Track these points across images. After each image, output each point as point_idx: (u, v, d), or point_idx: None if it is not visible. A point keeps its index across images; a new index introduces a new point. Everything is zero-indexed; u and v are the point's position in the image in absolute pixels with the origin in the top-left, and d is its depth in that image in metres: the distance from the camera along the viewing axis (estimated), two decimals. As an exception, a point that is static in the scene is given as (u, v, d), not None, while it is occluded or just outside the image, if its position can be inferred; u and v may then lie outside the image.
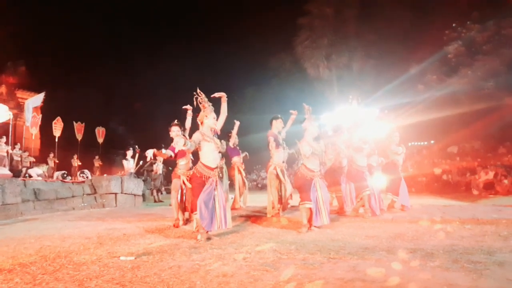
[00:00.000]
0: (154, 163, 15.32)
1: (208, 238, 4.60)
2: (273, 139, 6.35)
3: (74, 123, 21.79)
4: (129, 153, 12.08)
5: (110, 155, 23.52)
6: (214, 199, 4.64)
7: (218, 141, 4.78)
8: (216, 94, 4.86)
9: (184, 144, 4.35)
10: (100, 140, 22.94)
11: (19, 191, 8.35)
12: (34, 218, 7.86)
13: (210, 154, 4.71)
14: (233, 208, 7.88)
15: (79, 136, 21.84)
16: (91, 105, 25.06)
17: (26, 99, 16.97)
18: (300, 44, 26.39)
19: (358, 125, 6.99)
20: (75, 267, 3.35)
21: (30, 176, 11.12)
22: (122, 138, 23.84)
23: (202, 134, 4.66)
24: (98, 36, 29.20)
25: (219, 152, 4.87)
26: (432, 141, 22.14)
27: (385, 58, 22.79)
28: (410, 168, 17.44)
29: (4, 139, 13.74)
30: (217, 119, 4.85)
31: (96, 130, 22.88)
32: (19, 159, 14.91)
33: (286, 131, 6.75)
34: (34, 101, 14.65)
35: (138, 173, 15.01)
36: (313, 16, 25.87)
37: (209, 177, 4.65)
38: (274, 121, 6.57)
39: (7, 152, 13.59)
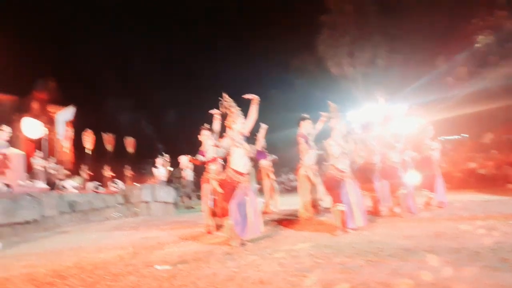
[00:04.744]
0: (183, 170, 15.47)
1: (242, 244, 4.56)
2: (304, 141, 6.24)
3: (103, 134, 22.32)
4: (159, 161, 12.26)
5: (140, 164, 23.99)
6: (246, 204, 4.60)
7: (247, 145, 4.74)
8: (249, 96, 4.81)
9: (216, 152, 4.36)
10: (130, 150, 23.41)
11: (56, 204, 8.59)
12: (70, 230, 8.06)
13: (240, 160, 4.67)
14: (264, 212, 7.83)
15: (109, 147, 22.36)
16: (120, 116, 25.74)
17: (57, 113, 17.54)
18: (322, 43, 26.09)
19: (388, 120, 6.76)
20: (112, 278, 3.38)
21: (65, 189, 11.43)
22: (151, 147, 24.34)
23: (232, 139, 4.64)
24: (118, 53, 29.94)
25: (249, 156, 4.83)
26: (465, 135, 21.38)
27: (412, 53, 22.21)
28: (443, 163, 16.89)
29: (39, 153, 14.23)
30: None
31: (125, 140, 23.35)
32: (55, 172, 15.37)
33: (315, 133, 6.63)
34: (65, 115, 15.12)
35: (168, 181, 15.20)
36: (334, 13, 25.56)
37: (239, 182, 4.62)
38: (302, 122, 6.46)
39: (42, 166, 14.05)
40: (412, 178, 6.93)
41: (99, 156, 21.21)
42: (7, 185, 8.73)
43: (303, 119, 6.50)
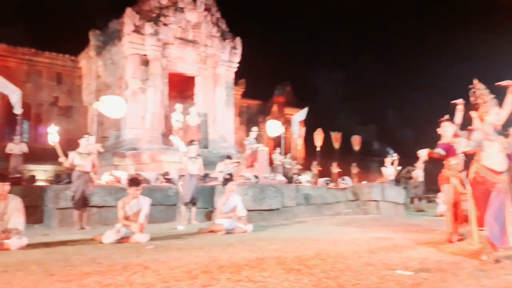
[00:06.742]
0: (413, 170, 14.64)
1: (497, 260, 3.88)
2: None
3: (331, 133, 23.55)
4: (388, 160, 11.96)
5: (366, 162, 24.17)
6: (504, 211, 3.91)
7: (504, 140, 4.04)
8: (505, 83, 4.14)
9: (467, 145, 3.90)
10: (356, 147, 23.97)
11: (294, 196, 9.52)
12: (306, 221, 8.77)
13: (495, 156, 4.00)
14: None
15: (336, 145, 23.44)
16: (347, 115, 26.79)
17: (292, 114, 19.59)
18: None
19: None
20: (353, 275, 3.42)
21: (300, 183, 12.53)
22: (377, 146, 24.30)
23: (485, 133, 4.03)
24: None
25: (506, 153, 4.10)
26: None
27: None
28: None
29: (278, 150, 16.16)
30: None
31: (352, 139, 24.10)
32: (290, 167, 17.10)
33: None
34: (299, 116, 16.68)
35: (396, 180, 14.67)
36: None
37: (495, 183, 3.95)
38: None
39: (281, 161, 15.85)
40: None
41: (327, 153, 22.49)
42: (256, 176, 10.23)
43: None
